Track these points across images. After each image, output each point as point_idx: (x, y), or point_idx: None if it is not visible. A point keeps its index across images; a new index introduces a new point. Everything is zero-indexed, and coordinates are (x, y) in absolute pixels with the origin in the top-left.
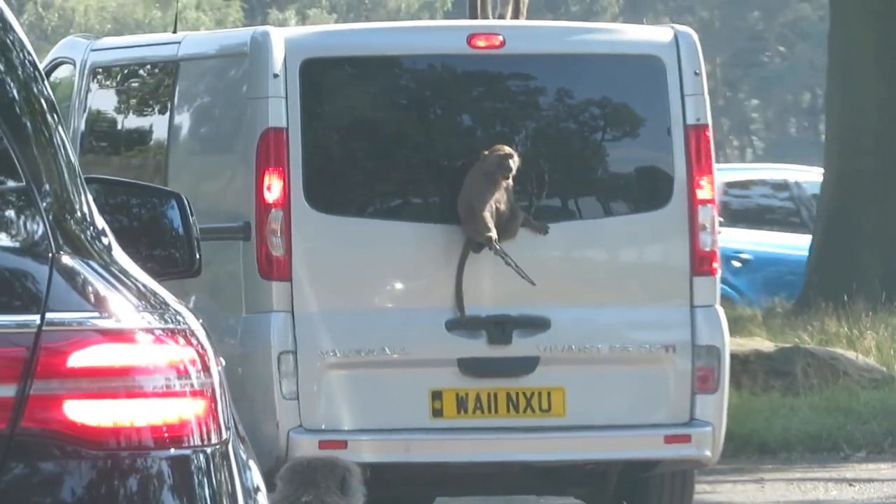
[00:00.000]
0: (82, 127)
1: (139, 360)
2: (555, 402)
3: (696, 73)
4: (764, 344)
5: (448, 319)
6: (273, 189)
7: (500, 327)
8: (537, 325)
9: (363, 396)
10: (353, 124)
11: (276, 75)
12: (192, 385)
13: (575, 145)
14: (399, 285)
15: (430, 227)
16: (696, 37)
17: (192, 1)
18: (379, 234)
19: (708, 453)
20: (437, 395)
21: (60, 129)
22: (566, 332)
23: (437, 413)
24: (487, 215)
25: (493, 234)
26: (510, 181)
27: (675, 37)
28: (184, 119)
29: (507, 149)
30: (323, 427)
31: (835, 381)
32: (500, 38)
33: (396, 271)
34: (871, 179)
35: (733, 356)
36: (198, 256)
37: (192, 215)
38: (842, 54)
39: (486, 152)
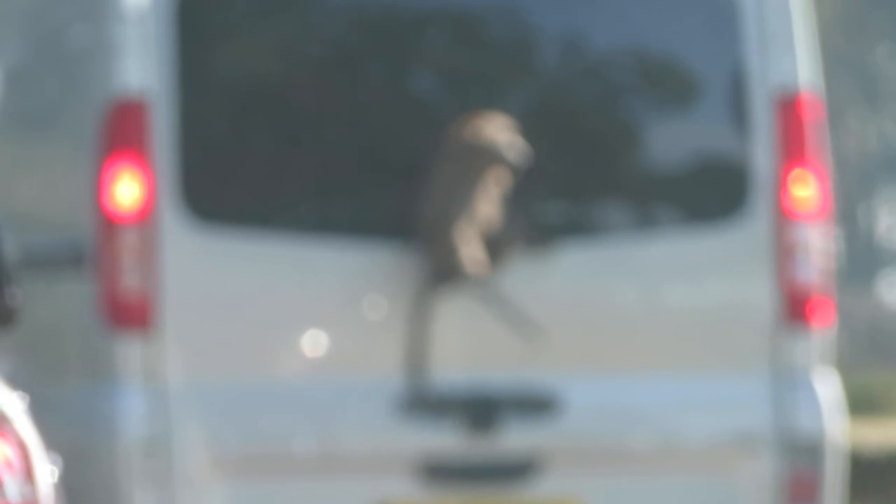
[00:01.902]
0: None
1: None
2: None
3: (789, 11)
4: None
5: (401, 395)
6: (126, 189)
7: (482, 408)
8: (540, 404)
9: None
10: (257, 88)
11: (133, 12)
12: (7, 500)
13: (597, 122)
14: (325, 341)
15: (373, 248)
16: None
17: None
18: (295, 259)
19: None
20: None
21: None
22: (584, 415)
23: None
24: (465, 231)
25: (477, 260)
26: (505, 175)
27: None
28: None
29: (500, 120)
30: None
31: None
32: None
33: (321, 318)
34: None
35: (868, 456)
36: (12, 296)
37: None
38: None
39: (465, 128)
